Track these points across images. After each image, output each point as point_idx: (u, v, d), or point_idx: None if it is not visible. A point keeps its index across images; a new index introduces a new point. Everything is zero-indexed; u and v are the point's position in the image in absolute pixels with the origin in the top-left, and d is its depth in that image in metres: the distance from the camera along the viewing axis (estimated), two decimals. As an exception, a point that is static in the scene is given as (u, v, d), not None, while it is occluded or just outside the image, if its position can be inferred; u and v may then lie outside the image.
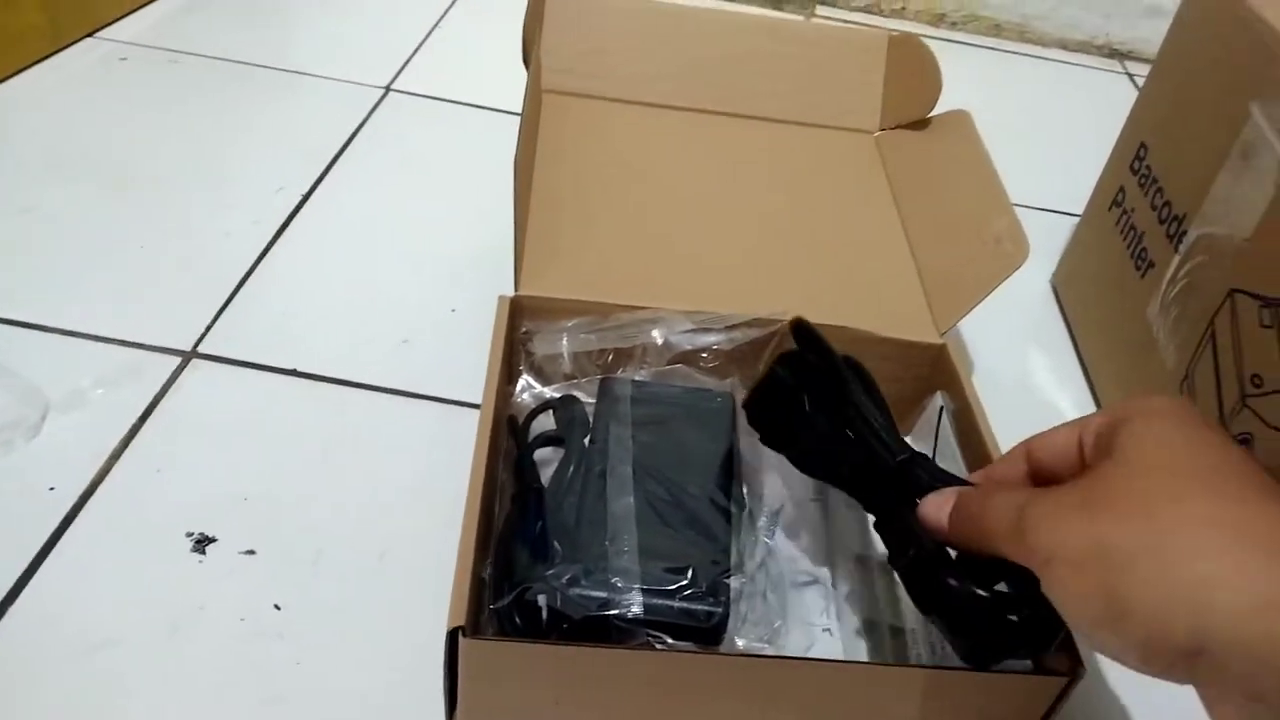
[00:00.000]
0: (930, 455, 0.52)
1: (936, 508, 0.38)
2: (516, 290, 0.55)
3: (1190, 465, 0.30)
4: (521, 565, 0.44)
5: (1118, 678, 0.50)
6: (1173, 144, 0.65)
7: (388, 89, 0.90)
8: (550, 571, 0.43)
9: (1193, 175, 0.60)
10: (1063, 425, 0.37)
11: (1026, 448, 0.39)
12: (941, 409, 0.53)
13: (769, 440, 0.48)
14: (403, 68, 0.93)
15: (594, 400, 0.54)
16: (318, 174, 0.77)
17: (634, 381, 0.54)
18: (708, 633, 0.42)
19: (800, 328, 0.48)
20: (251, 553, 0.49)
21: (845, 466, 0.44)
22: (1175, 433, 0.32)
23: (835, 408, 0.45)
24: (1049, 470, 0.37)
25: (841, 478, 0.45)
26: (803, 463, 0.47)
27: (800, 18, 1.20)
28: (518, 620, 0.42)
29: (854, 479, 0.44)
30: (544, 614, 0.43)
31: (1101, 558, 0.29)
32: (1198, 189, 0.59)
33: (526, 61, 0.68)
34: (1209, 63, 0.62)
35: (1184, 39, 0.67)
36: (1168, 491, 0.30)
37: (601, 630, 0.42)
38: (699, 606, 0.42)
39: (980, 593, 0.37)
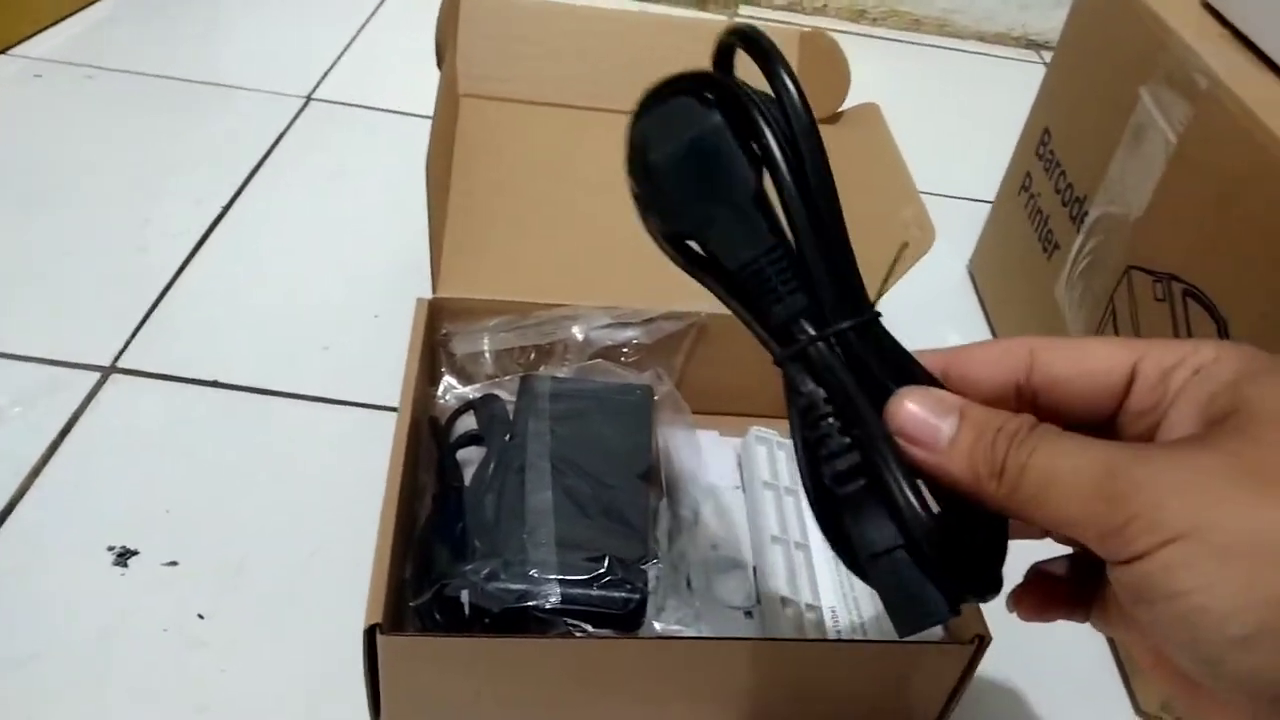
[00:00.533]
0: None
1: (927, 419, 0.27)
2: (434, 292, 0.56)
3: None
4: (441, 563, 0.45)
5: (1025, 645, 0.51)
6: (1073, 128, 0.67)
7: (309, 98, 0.90)
8: (469, 566, 0.43)
9: (1091, 158, 0.62)
10: (1093, 340, 0.29)
11: (1032, 351, 0.29)
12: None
13: (643, 203, 0.32)
14: (324, 77, 0.93)
15: (515, 398, 0.55)
16: (238, 185, 0.77)
17: (554, 378, 0.55)
18: (625, 619, 0.43)
19: (744, 36, 0.29)
20: (174, 564, 0.49)
21: (773, 289, 0.29)
22: None
23: (788, 181, 0.27)
24: (1065, 391, 0.28)
25: (756, 308, 0.29)
26: (679, 245, 0.31)
27: (722, 18, 1.21)
28: (438, 616, 0.43)
29: (770, 311, 0.29)
30: (465, 609, 0.43)
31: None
32: (1096, 171, 0.61)
33: (441, 65, 0.68)
34: (1103, 49, 0.64)
35: (1080, 27, 0.69)
36: None
37: (522, 622, 0.42)
38: (616, 594, 0.43)
39: (934, 530, 0.26)
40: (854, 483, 0.27)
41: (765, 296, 0.29)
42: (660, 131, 0.30)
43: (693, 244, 0.31)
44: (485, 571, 0.43)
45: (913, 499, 0.26)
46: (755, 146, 0.28)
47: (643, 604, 0.43)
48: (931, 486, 0.27)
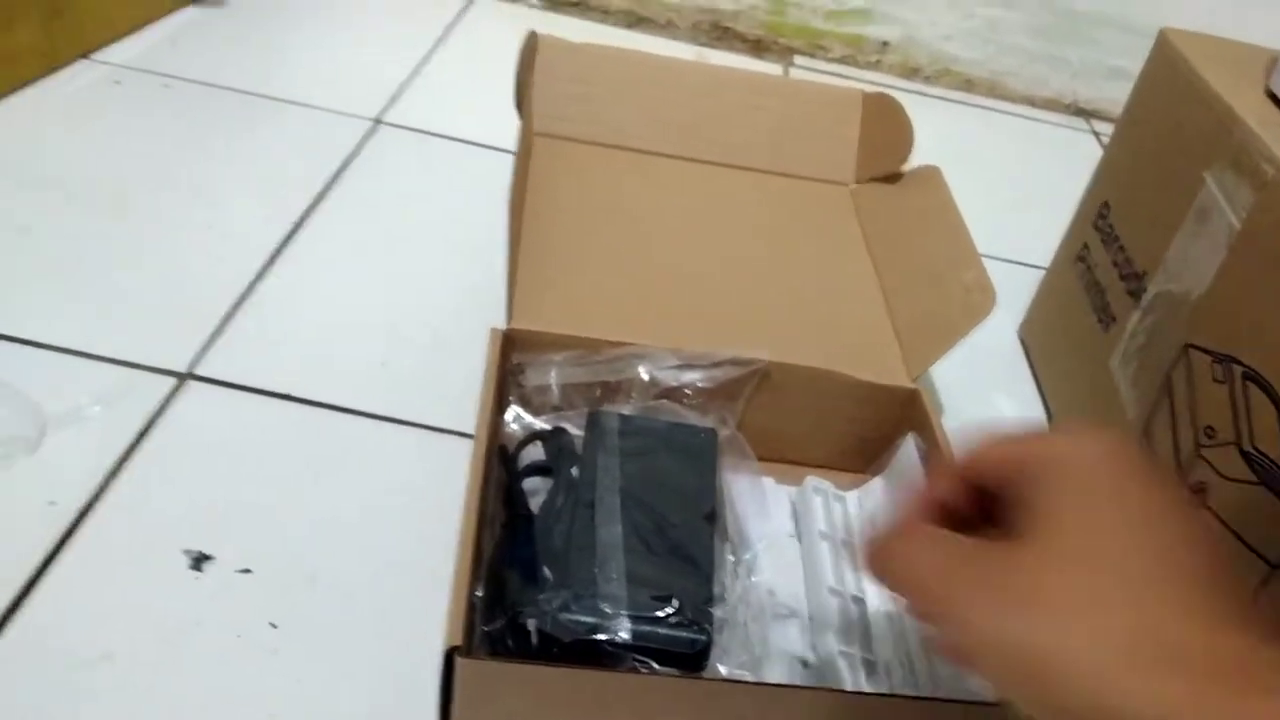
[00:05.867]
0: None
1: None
2: (509, 323, 0.57)
3: (1117, 553, 0.29)
4: (513, 589, 0.46)
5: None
6: (1133, 204, 0.69)
7: (377, 121, 0.92)
8: (541, 596, 0.44)
9: (1151, 235, 0.64)
10: (1000, 442, 0.35)
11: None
12: (914, 449, 0.56)
13: None
14: (392, 101, 0.95)
15: (582, 432, 0.56)
16: (309, 202, 0.79)
17: (622, 415, 0.56)
18: (692, 659, 0.44)
19: None
20: (248, 571, 0.51)
21: None
22: (1102, 503, 0.30)
23: None
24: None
25: None
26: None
27: (779, 69, 1.23)
28: (509, 642, 0.44)
29: None
30: (534, 637, 0.44)
31: (1028, 663, 0.28)
32: (1156, 248, 0.62)
33: (519, 106, 0.70)
34: (1167, 129, 0.66)
35: (1144, 104, 0.71)
36: (1091, 594, 0.28)
37: (590, 654, 0.44)
38: (685, 634, 0.44)
39: None
40: None
41: None
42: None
43: None
44: (557, 602, 0.44)
45: None
46: None
47: (709, 646, 0.44)
48: None
